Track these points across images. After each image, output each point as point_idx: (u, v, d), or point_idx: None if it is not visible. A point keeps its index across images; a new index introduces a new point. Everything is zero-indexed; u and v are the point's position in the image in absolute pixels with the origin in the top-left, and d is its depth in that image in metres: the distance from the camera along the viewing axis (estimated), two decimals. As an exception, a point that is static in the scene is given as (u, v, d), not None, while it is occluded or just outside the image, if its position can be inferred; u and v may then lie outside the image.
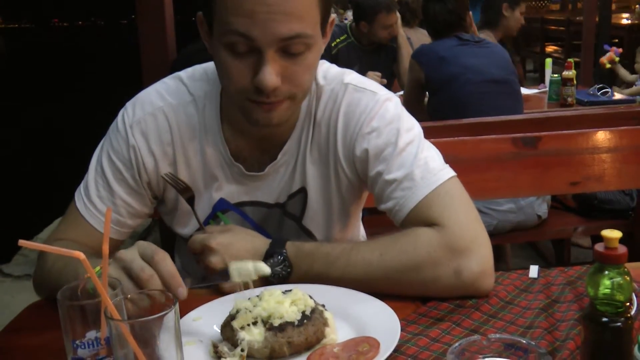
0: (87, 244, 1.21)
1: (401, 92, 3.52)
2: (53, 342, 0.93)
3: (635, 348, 0.77)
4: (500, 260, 3.01)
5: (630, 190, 2.71)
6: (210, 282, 1.05)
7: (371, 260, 1.13)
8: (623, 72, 5.48)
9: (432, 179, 1.17)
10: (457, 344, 0.80)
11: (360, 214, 1.47)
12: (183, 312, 1.03)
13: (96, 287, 0.75)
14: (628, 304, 0.77)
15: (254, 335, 0.94)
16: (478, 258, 1.11)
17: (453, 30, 3.04)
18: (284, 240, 1.18)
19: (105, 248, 0.80)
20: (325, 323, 0.98)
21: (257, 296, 1.00)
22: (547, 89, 3.80)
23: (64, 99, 12.29)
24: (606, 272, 0.77)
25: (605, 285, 0.77)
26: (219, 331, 1.01)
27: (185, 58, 2.39)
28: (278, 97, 1.10)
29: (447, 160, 1.23)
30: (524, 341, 0.80)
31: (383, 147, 1.21)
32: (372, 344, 0.93)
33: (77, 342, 0.83)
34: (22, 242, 0.77)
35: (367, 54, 4.11)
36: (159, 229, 2.96)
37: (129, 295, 0.81)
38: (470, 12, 3.17)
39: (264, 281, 1.10)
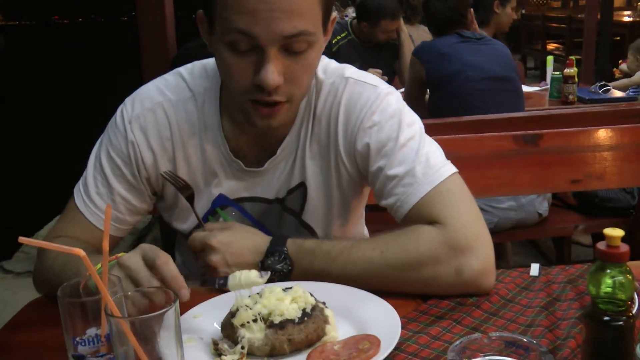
0: (87, 241, 1.21)
1: (402, 89, 3.51)
2: (53, 338, 0.93)
3: (637, 347, 0.76)
4: (500, 258, 3.00)
5: (631, 188, 2.70)
6: (210, 283, 1.06)
7: (372, 258, 1.12)
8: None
9: (433, 176, 1.17)
10: (457, 342, 0.79)
11: (363, 211, 1.47)
12: (183, 310, 1.03)
13: (97, 284, 0.75)
14: (630, 302, 0.77)
15: (254, 333, 0.94)
16: (479, 256, 1.11)
17: (454, 27, 3.03)
18: (284, 237, 1.18)
19: (106, 245, 0.80)
20: (325, 320, 0.98)
21: (258, 293, 1.00)
22: (549, 86, 3.79)
23: (64, 96, 12.30)
24: (608, 271, 0.76)
25: (607, 283, 0.76)
26: (220, 328, 1.01)
27: (186, 54, 2.38)
28: (279, 96, 1.10)
29: (448, 157, 1.23)
30: (525, 339, 0.80)
31: (384, 142, 1.21)
32: (373, 342, 0.92)
33: (78, 339, 0.83)
34: (22, 239, 0.77)
35: (367, 51, 4.10)
36: (159, 227, 2.96)
37: (129, 293, 0.82)
38: (472, 9, 3.16)
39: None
